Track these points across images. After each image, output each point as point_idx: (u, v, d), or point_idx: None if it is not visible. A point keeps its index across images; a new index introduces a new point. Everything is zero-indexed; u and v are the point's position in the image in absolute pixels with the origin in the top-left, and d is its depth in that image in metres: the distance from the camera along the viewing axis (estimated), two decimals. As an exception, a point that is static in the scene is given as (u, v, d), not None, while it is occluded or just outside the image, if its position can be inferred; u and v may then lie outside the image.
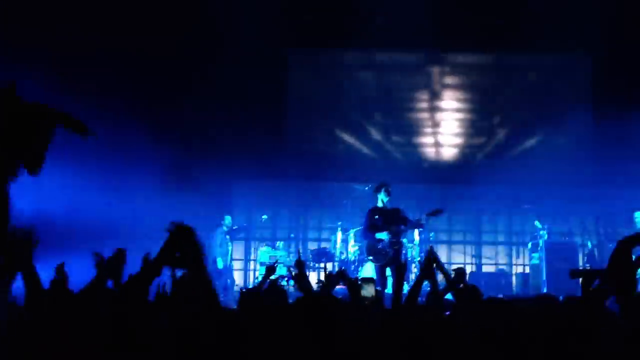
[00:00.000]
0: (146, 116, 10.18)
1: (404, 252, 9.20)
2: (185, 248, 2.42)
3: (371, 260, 8.76)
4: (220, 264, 10.55)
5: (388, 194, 8.75)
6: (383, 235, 8.61)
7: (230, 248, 10.97)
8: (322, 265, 10.54)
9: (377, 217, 8.72)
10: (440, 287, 4.14)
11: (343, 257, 10.47)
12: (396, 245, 8.59)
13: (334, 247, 10.72)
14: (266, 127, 11.77)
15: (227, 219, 10.93)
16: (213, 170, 10.96)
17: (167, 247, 2.43)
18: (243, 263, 12.41)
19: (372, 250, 8.67)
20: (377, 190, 8.83)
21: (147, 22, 10.02)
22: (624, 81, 11.05)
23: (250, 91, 11.54)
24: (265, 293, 4.35)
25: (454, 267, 5.01)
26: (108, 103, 9.78)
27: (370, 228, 8.72)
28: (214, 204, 11.27)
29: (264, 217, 11.73)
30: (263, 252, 11.00)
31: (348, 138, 12.41)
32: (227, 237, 10.87)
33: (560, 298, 3.69)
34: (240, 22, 10.74)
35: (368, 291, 4.99)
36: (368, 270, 9.84)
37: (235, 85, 11.31)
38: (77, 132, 2.45)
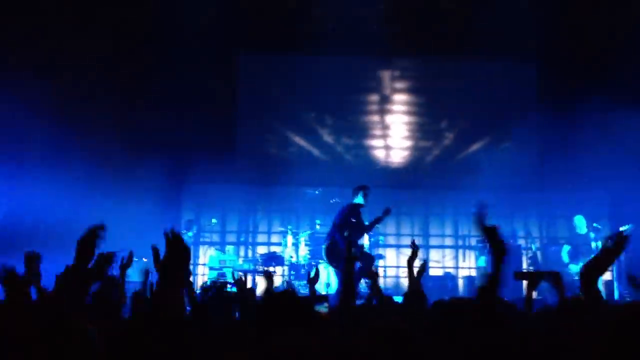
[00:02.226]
0: (96, 118, 10.00)
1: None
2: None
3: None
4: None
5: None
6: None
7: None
8: (271, 269, 10.54)
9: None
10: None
11: (293, 260, 10.48)
12: None
13: (284, 251, 10.70)
14: (216, 129, 11.70)
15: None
16: (163, 172, 10.80)
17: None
18: (192, 267, 12.27)
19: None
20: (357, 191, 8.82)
21: (94, 24, 9.86)
22: (568, 88, 11.39)
23: (200, 93, 11.45)
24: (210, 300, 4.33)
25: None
26: (62, 107, 9.61)
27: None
28: (164, 207, 11.10)
29: (214, 220, 11.63)
30: (212, 257, 10.91)
31: (299, 141, 12.42)
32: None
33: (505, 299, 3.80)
34: (191, 24, 10.65)
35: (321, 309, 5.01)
36: (322, 273, 9.88)
37: (186, 87, 11.21)
38: None
